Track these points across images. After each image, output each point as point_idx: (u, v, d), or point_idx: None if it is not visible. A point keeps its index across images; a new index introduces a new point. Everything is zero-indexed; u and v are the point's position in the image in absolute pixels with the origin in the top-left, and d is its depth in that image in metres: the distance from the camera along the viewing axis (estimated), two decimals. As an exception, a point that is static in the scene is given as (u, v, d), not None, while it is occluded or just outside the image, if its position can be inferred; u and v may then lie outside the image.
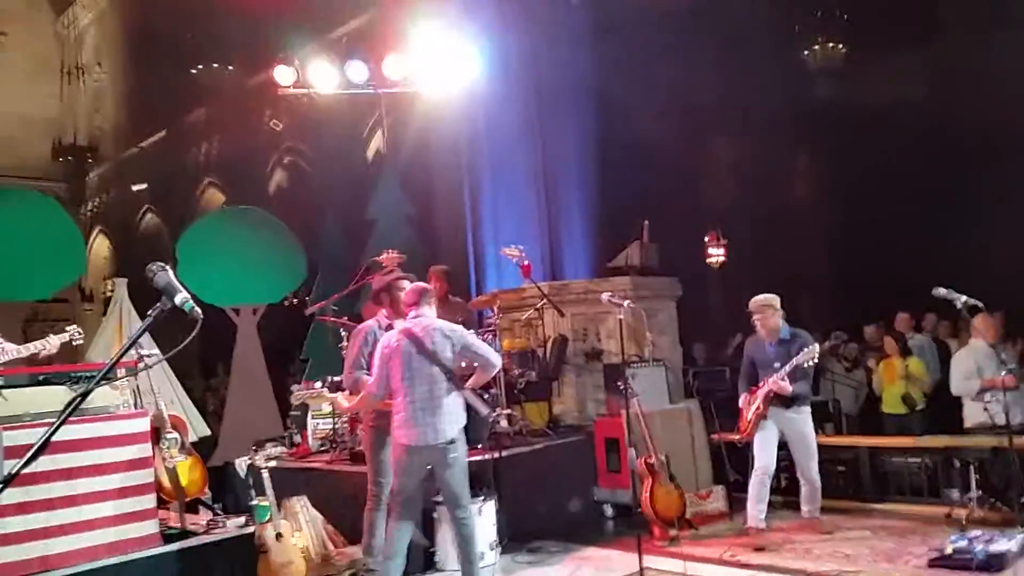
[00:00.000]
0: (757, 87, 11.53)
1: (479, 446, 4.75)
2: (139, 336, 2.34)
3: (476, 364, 4.66)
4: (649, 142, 10.46)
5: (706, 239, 13.63)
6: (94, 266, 18.49)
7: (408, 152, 10.77)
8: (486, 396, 4.62)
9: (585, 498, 6.57)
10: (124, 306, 7.84)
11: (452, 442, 4.44)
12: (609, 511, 6.56)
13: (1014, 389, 5.56)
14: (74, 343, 4.82)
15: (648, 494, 5.73)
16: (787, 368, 5.46)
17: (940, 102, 10.82)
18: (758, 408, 5.58)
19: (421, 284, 4.86)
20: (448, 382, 4.47)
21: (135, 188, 18.93)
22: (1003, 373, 5.38)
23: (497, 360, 4.72)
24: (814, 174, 12.53)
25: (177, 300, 2.19)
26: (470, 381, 4.66)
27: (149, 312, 2.19)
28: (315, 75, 8.96)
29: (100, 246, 19.86)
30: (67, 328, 4.74)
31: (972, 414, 6.11)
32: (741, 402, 5.78)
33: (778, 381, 5.46)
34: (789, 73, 12.34)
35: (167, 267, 2.23)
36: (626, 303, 5.27)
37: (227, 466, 5.98)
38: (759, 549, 5.32)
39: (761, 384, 5.63)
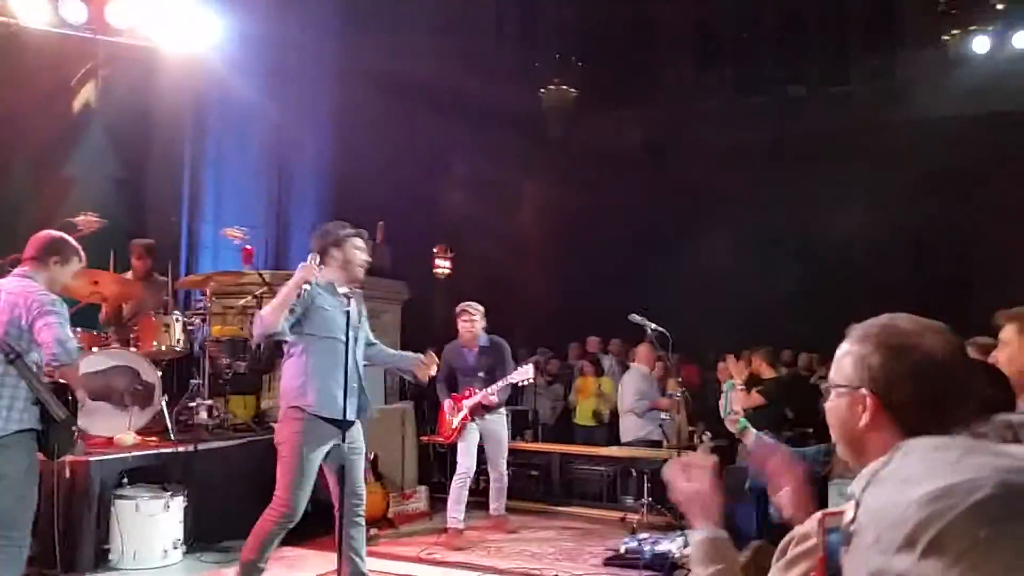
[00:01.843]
0: (496, 113, 12.10)
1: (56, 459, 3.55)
2: None
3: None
4: (389, 146, 10.50)
5: (435, 250, 13.96)
6: None
7: (124, 110, 9.71)
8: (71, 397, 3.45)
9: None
10: None
11: None
12: (308, 508, 6.36)
13: (670, 411, 6.46)
14: None
15: (353, 492, 5.67)
16: (500, 384, 5.75)
17: (655, 154, 12.17)
18: (464, 416, 5.79)
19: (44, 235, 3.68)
20: (7, 364, 3.35)
21: None
22: (671, 395, 6.19)
23: (66, 356, 3.37)
24: (541, 202, 13.40)
25: None
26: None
27: None
28: (20, 5, 7.79)
29: None
30: None
31: (629, 429, 6.95)
32: (445, 408, 5.95)
33: (488, 396, 5.73)
34: (526, 105, 13.12)
35: None
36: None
37: None
38: (456, 548, 5.49)
39: (465, 393, 5.84)
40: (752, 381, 6.04)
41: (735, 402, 3.33)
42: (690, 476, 1.59)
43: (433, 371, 4.46)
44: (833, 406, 1.36)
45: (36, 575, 4.21)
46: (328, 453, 3.93)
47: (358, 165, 9.81)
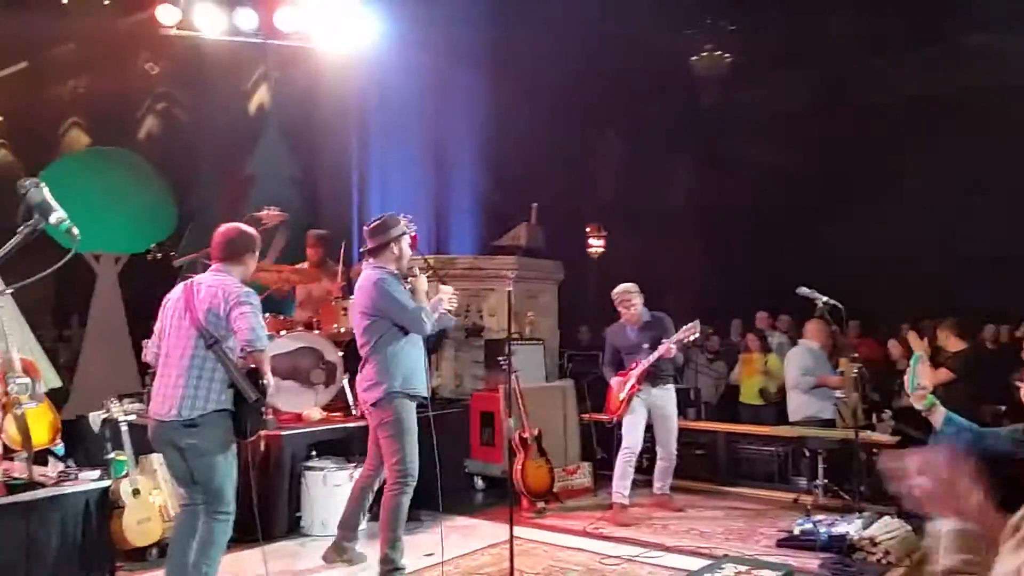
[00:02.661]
0: (646, 88, 11.88)
1: (248, 438, 3.84)
2: (7, 255, 2.13)
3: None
4: (542, 129, 10.58)
5: (587, 230, 13.97)
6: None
7: (294, 110, 10.35)
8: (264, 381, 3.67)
9: (457, 470, 6.60)
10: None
11: (191, 424, 3.59)
12: (480, 483, 6.63)
13: (842, 389, 6.11)
14: None
15: (520, 467, 5.83)
16: (673, 339, 5.72)
17: (818, 115, 11.53)
18: (633, 387, 5.77)
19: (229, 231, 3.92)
20: (206, 350, 3.64)
21: (-13, 121, 17.27)
22: (849, 372, 5.86)
23: (259, 342, 3.60)
24: (696, 175, 13.05)
25: (52, 219, 2.01)
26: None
27: (20, 229, 2.00)
28: (201, 18, 8.46)
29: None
30: None
31: (797, 408, 6.63)
32: (613, 384, 5.94)
33: (670, 347, 5.69)
34: (678, 76, 12.79)
35: (42, 183, 2.04)
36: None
37: (79, 420, 5.58)
38: (622, 524, 5.52)
39: (632, 366, 5.81)
40: (938, 355, 5.65)
41: (922, 376, 3.10)
42: (927, 469, 1.55)
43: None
44: None
45: (238, 541, 4.61)
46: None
47: (511, 151, 9.98)
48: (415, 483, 4.47)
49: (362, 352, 4.51)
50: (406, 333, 4.45)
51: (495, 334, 7.47)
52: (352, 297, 4.71)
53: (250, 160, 10.00)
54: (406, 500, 4.44)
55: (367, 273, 4.50)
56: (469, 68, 9.95)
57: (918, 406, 3.10)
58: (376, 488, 4.73)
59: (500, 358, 5.70)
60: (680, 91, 12.81)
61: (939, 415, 3.03)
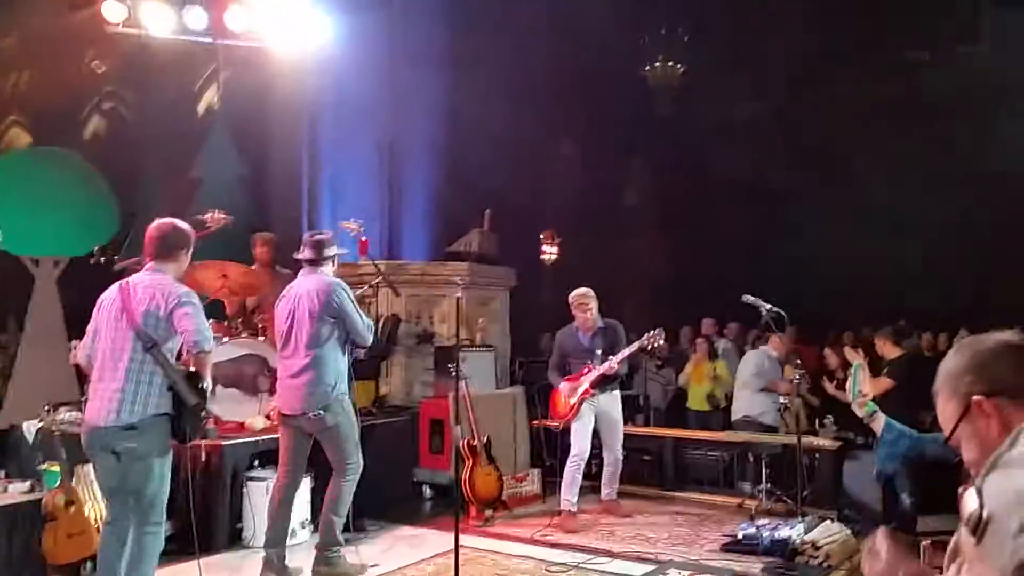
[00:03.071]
0: (601, 96, 11.98)
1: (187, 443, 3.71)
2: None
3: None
4: (496, 135, 10.58)
5: (541, 236, 14.00)
6: None
7: (244, 111, 10.19)
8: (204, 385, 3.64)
9: (405, 478, 6.55)
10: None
11: (131, 427, 3.51)
12: (428, 492, 6.59)
13: (788, 395, 6.25)
14: None
15: (468, 475, 5.80)
16: (626, 351, 5.78)
17: (768, 123, 11.74)
18: (585, 392, 5.78)
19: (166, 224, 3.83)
20: (144, 352, 3.57)
21: (-79, 116, 16.68)
22: (794, 380, 5.99)
23: (205, 343, 3.59)
24: (646, 184, 13.20)
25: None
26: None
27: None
28: (148, 16, 8.27)
29: None
30: None
31: (740, 407, 6.86)
32: (561, 389, 5.93)
33: (611, 365, 5.71)
34: (631, 86, 12.93)
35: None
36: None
37: (13, 429, 5.42)
38: (570, 531, 5.53)
39: (584, 371, 5.81)
40: (879, 363, 5.78)
41: (863, 384, 3.17)
42: (881, 558, 1.57)
43: None
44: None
45: (176, 553, 4.50)
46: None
47: (466, 155, 9.96)
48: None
49: (299, 355, 4.49)
50: (347, 341, 4.54)
51: (445, 341, 7.43)
52: (285, 300, 4.69)
53: (196, 161, 9.81)
54: (354, 486, 4.61)
55: (318, 278, 4.60)
56: (423, 69, 9.91)
57: (859, 413, 3.16)
58: (294, 497, 4.74)
59: (450, 365, 5.67)
60: (635, 99, 12.96)
61: (879, 421, 3.09)
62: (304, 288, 4.59)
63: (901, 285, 10.55)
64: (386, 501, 6.12)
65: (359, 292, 7.23)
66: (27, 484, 4.33)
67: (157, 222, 3.85)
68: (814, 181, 11.43)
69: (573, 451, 5.80)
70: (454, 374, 5.54)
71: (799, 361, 6.27)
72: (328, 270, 4.72)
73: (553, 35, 11.01)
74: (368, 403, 6.94)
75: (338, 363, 4.55)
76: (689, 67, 12.91)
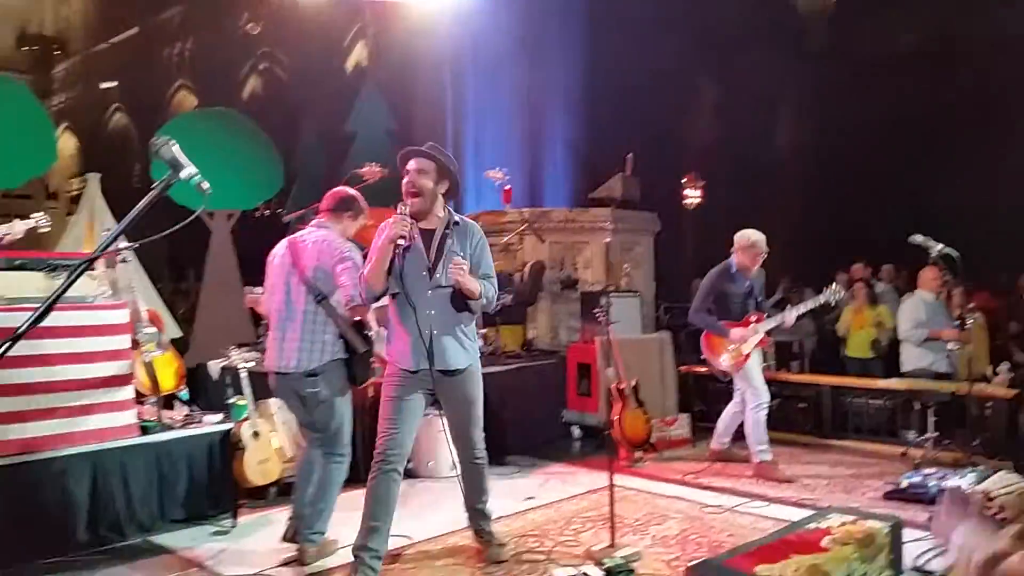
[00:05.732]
0: (743, 31, 11.44)
1: (359, 386, 3.93)
2: (144, 210, 2.26)
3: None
4: (634, 78, 10.37)
5: (684, 180, 13.67)
6: (59, 163, 17.77)
7: (391, 66, 10.50)
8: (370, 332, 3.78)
9: (554, 419, 6.72)
10: (97, 204, 7.61)
11: (312, 374, 3.77)
12: (576, 432, 6.72)
13: (959, 341, 5.81)
14: (40, 230, 4.64)
15: (617, 417, 5.87)
16: (810, 303, 5.60)
17: (927, 59, 10.84)
18: (762, 341, 5.60)
19: (340, 191, 4.10)
20: (316, 304, 3.80)
21: (104, 85, 18.21)
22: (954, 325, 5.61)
23: (359, 297, 3.65)
24: (798, 122, 12.56)
25: (183, 174, 2.12)
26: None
27: (154, 185, 2.12)
28: (299, -23, 8.65)
29: (66, 143, 18.99)
30: (33, 215, 4.55)
31: (909, 359, 6.37)
32: (733, 335, 5.48)
33: (792, 315, 5.51)
34: (776, 18, 12.24)
35: (172, 141, 2.15)
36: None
37: (199, 368, 5.95)
38: (777, 479, 5.38)
39: (752, 319, 5.58)
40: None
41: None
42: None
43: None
44: None
45: (355, 480, 4.82)
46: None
47: (606, 102, 9.85)
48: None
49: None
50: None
51: (590, 286, 7.48)
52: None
53: (349, 117, 10.22)
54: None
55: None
56: (563, 20, 9.83)
57: None
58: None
59: (596, 310, 5.70)
60: (781, 36, 12.27)
61: None
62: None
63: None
64: (536, 440, 6.34)
65: (505, 239, 7.43)
66: (219, 416, 4.77)
67: (339, 188, 4.15)
68: (983, 115, 10.48)
69: (760, 399, 5.51)
70: (600, 319, 5.61)
71: (971, 305, 5.85)
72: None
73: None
74: (517, 346, 7.15)
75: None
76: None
